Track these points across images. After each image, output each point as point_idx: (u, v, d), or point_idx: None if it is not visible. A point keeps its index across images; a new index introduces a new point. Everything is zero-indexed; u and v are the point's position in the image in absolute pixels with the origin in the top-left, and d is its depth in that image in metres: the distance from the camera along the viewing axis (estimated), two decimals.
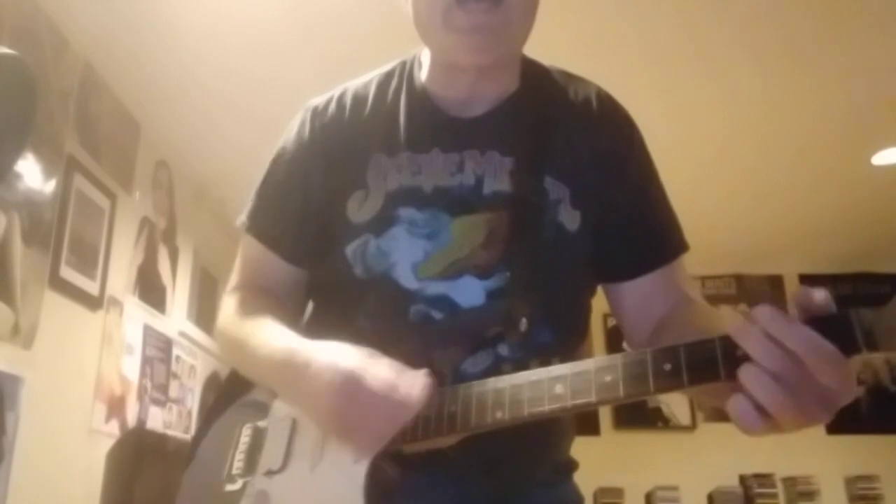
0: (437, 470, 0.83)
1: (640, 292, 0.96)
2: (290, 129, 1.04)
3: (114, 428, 2.62)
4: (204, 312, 3.65)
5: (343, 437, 0.79)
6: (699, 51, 2.61)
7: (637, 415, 4.48)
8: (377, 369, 0.78)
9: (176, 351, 3.24)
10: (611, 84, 1.04)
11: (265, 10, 2.36)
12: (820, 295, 0.60)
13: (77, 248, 2.42)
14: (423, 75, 1.00)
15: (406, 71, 1.02)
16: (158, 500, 2.63)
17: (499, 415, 0.74)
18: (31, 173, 2.18)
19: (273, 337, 0.90)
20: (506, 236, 0.89)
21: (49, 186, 2.28)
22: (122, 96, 2.77)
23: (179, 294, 3.35)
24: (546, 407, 0.71)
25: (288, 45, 2.53)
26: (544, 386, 0.72)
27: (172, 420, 3.17)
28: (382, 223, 0.92)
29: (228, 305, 1.02)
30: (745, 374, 0.61)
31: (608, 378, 0.68)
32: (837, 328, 0.59)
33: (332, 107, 1.02)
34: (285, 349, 0.86)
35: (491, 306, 0.89)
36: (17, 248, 2.10)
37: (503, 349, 0.87)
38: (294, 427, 0.90)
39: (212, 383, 3.69)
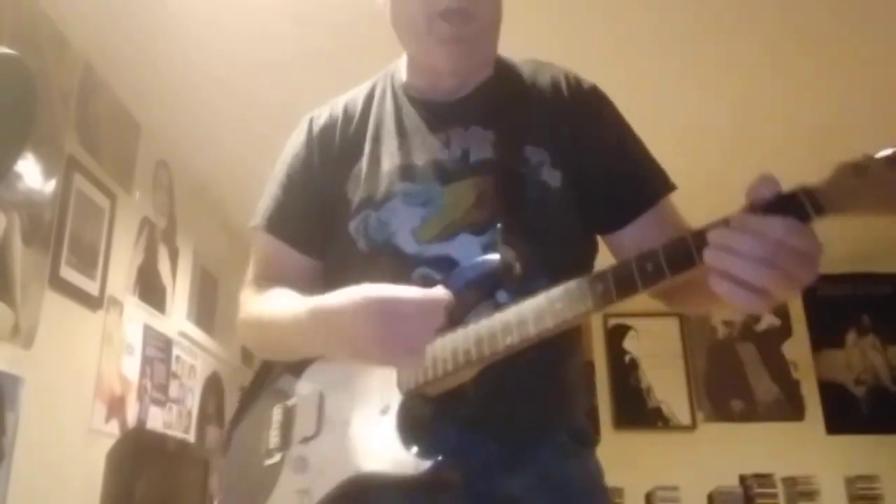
0: (454, 421, 0.89)
1: (636, 238, 1.00)
2: (292, 138, 1.15)
3: (114, 428, 2.62)
4: (204, 312, 3.65)
5: (388, 350, 0.85)
6: (699, 50, 2.61)
7: (637, 415, 4.48)
8: (396, 287, 0.86)
9: (176, 351, 3.24)
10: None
11: (266, 15, 2.36)
12: (766, 184, 0.72)
13: (77, 248, 2.42)
14: (404, 76, 1.12)
15: (389, 76, 1.14)
16: (158, 500, 2.63)
17: (508, 339, 0.82)
18: (31, 173, 2.18)
19: (291, 302, 0.97)
20: (495, 195, 0.98)
21: (49, 186, 2.28)
22: (122, 96, 2.78)
23: (179, 294, 3.35)
24: (550, 322, 0.79)
25: (289, 48, 2.53)
26: (545, 306, 0.80)
27: (172, 420, 3.17)
28: (380, 198, 1.00)
29: (245, 298, 1.10)
30: (707, 254, 0.71)
31: (600, 287, 0.77)
32: (789, 204, 0.70)
33: (327, 112, 1.13)
34: (307, 306, 0.93)
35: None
36: (17, 248, 2.10)
37: (502, 296, 0.92)
38: (322, 398, 0.97)
39: (212, 383, 3.69)
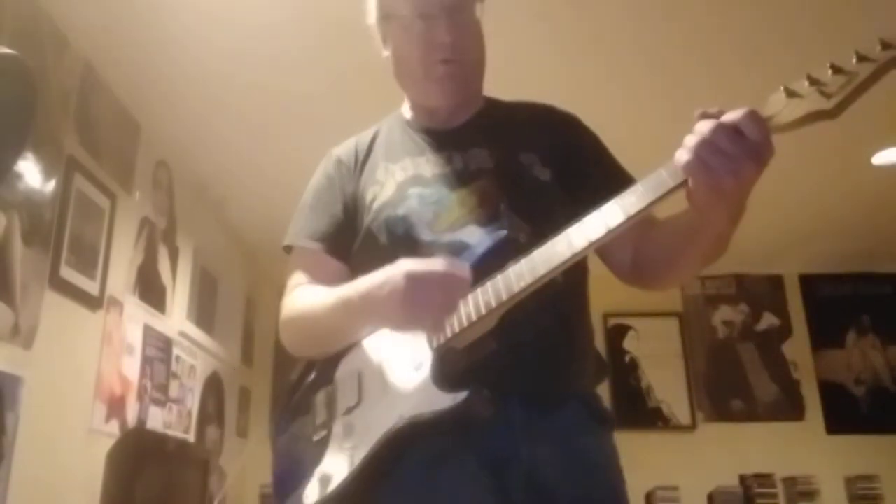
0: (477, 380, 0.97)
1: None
2: (316, 171, 1.32)
3: (114, 428, 2.62)
4: (204, 312, 3.65)
5: (413, 314, 0.97)
6: (699, 47, 2.62)
7: (637, 415, 4.48)
8: (424, 261, 1.00)
9: (176, 351, 3.24)
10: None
11: (264, 13, 2.37)
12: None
13: (77, 248, 2.42)
14: (407, 116, 1.31)
15: (392, 117, 1.33)
16: (158, 500, 2.63)
17: (522, 283, 0.95)
18: (31, 173, 2.18)
19: (328, 290, 1.13)
20: (495, 191, 1.13)
21: (49, 186, 2.28)
22: (122, 96, 2.78)
23: (179, 294, 3.35)
24: (556, 261, 0.93)
25: (286, 48, 2.53)
26: (549, 250, 0.95)
27: (172, 420, 3.17)
28: (398, 200, 1.17)
29: (286, 302, 1.23)
30: (678, 153, 0.85)
31: (591, 226, 0.92)
32: None
33: (344, 147, 1.31)
34: (343, 290, 1.08)
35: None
36: (17, 248, 2.10)
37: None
38: (360, 374, 1.09)
39: (212, 383, 3.69)
